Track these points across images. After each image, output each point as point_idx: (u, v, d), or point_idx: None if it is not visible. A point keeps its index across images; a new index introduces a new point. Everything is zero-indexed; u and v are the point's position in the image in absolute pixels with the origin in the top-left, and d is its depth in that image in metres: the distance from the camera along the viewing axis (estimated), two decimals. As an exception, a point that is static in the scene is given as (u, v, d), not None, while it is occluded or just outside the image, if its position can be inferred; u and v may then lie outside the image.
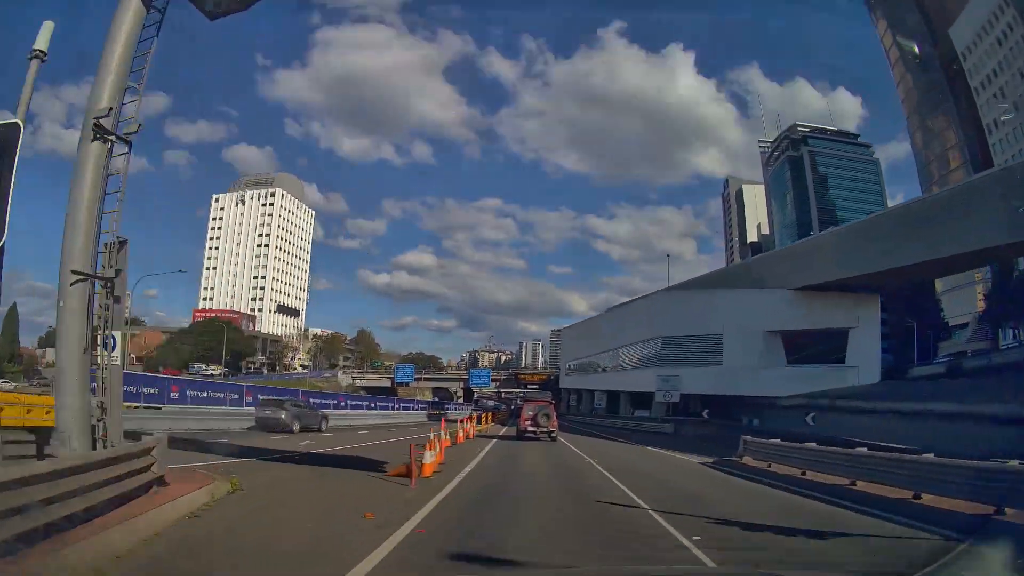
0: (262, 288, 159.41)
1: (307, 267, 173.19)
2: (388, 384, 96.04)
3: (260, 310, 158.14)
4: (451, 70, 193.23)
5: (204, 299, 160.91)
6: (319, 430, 25.88)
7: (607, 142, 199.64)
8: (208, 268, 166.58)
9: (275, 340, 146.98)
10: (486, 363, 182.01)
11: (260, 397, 29.34)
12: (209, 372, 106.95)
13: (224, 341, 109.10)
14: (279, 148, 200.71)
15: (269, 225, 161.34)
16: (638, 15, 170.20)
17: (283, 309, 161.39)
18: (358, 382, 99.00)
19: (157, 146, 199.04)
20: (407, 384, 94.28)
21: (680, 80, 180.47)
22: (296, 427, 24.03)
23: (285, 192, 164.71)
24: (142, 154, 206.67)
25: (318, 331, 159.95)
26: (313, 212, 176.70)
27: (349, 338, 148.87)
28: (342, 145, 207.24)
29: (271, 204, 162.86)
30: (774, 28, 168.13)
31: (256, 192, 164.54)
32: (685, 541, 7.11)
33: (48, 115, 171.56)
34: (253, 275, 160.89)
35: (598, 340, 57.06)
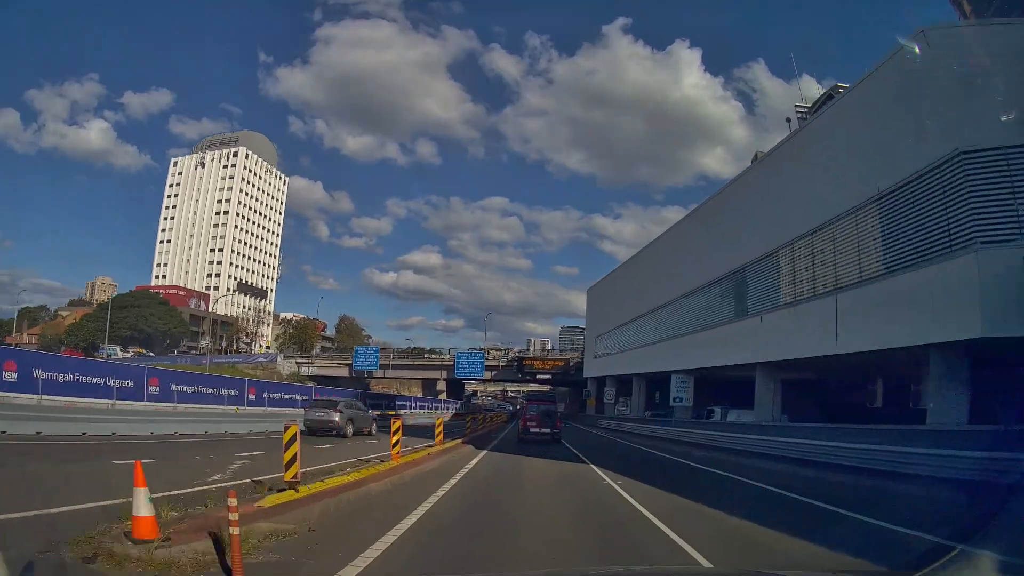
0: (219, 263, 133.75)
1: (278, 241, 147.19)
2: (346, 373, 70.06)
3: (215, 288, 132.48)
4: (454, 67, 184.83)
5: (157, 276, 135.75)
6: (370, 433, 23.37)
7: (612, 141, 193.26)
8: (162, 241, 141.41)
9: (227, 322, 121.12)
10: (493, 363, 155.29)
11: (310, 398, 28.88)
12: (131, 354, 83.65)
13: (107, 317, 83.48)
14: (283, 146, 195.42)
15: (230, 190, 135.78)
16: (642, 11, 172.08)
17: (245, 288, 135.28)
18: (305, 370, 72.73)
19: (161, 144, 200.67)
20: (371, 373, 68.06)
21: (686, 78, 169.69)
22: (350, 431, 21.78)
23: (251, 153, 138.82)
24: (146, 151, 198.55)
25: (291, 315, 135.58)
26: (286, 179, 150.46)
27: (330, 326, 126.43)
28: (346, 144, 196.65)
29: (233, 166, 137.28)
30: (781, 23, 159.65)
31: (217, 153, 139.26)
32: None
33: (51, 112, 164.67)
34: (210, 248, 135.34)
35: (670, 280, 30.90)
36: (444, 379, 65.81)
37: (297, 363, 74.92)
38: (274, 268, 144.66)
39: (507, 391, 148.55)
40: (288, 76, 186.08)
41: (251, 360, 77.38)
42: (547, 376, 61.15)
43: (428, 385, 68.97)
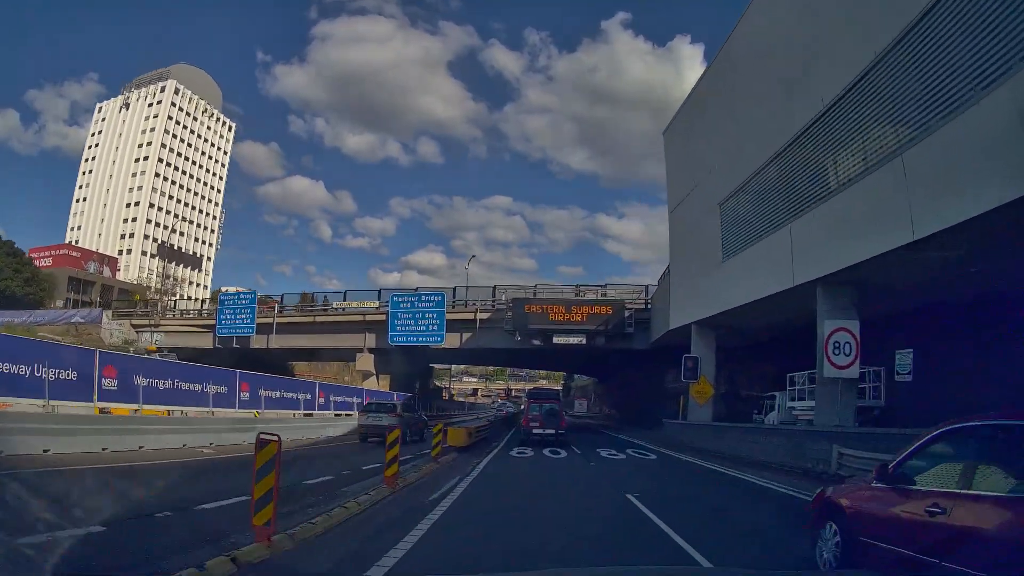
0: (135, 220, 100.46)
1: (219, 199, 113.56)
2: (211, 343, 36.77)
3: (129, 251, 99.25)
4: (454, 64, 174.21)
5: (71, 241, 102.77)
6: (421, 439, 19.48)
7: (614, 139, 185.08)
8: (79, 200, 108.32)
9: (127, 289, 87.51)
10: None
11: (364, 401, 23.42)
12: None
13: None
14: (284, 145, 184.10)
15: (153, 131, 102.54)
16: (641, 6, 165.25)
17: (170, 254, 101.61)
18: (149, 338, 39.59)
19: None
20: (246, 341, 34.80)
21: (688, 73, 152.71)
22: (408, 437, 18.04)
23: (182, 88, 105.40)
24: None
25: (233, 289, 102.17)
26: (232, 125, 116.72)
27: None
28: (348, 143, 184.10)
29: (158, 103, 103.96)
30: None
31: (144, 91, 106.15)
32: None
33: (51, 112, 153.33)
34: (126, 203, 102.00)
35: None
36: (371, 350, 31.94)
37: (134, 326, 41.59)
38: (213, 232, 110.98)
39: (511, 389, 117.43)
40: (287, 74, 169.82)
41: (61, 319, 43.90)
42: (577, 338, 27.31)
43: (382, 361, 34.67)
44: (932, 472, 3.52)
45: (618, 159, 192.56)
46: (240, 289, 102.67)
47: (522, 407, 48.04)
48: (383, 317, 30.66)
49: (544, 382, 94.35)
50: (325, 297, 34.53)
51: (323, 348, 33.44)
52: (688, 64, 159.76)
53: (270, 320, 34.60)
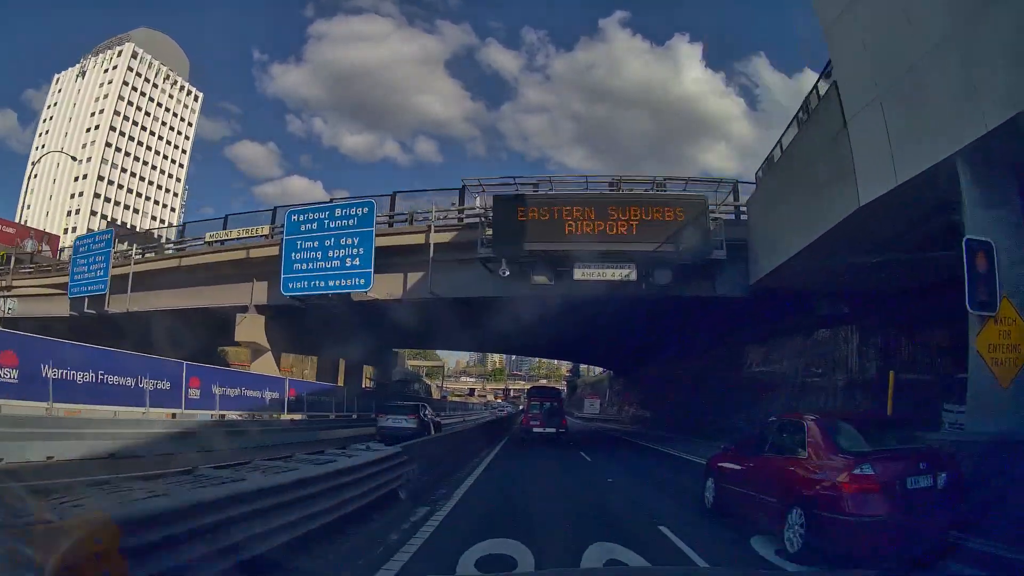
0: (82, 194, 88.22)
1: (182, 173, 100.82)
2: (66, 309, 23.95)
3: (75, 229, 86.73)
4: (452, 63, 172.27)
5: (23, 220, 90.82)
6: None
7: (612, 138, 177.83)
8: (33, 176, 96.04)
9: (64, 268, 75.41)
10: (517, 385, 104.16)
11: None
12: None
13: None
14: (282, 145, 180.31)
15: (107, 98, 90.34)
16: (640, 4, 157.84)
17: (124, 232, 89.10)
18: (1, 307, 27.03)
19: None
20: (102, 304, 21.97)
21: (686, 73, 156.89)
22: None
23: (141, 52, 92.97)
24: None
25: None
26: (199, 95, 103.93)
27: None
28: (345, 142, 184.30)
29: (114, 68, 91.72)
30: (780, 16, 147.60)
31: (102, 56, 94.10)
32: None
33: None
34: (75, 176, 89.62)
35: None
36: (259, 307, 18.81)
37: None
38: (174, 210, 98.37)
39: (509, 389, 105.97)
40: (283, 74, 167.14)
41: None
42: (622, 270, 13.49)
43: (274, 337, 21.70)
44: (754, 444, 6.55)
45: (617, 158, 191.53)
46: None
47: (520, 407, 40.24)
48: (276, 251, 17.52)
49: (544, 381, 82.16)
50: (183, 230, 21.55)
51: (196, 309, 20.28)
52: (687, 63, 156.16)
53: (126, 270, 21.55)
